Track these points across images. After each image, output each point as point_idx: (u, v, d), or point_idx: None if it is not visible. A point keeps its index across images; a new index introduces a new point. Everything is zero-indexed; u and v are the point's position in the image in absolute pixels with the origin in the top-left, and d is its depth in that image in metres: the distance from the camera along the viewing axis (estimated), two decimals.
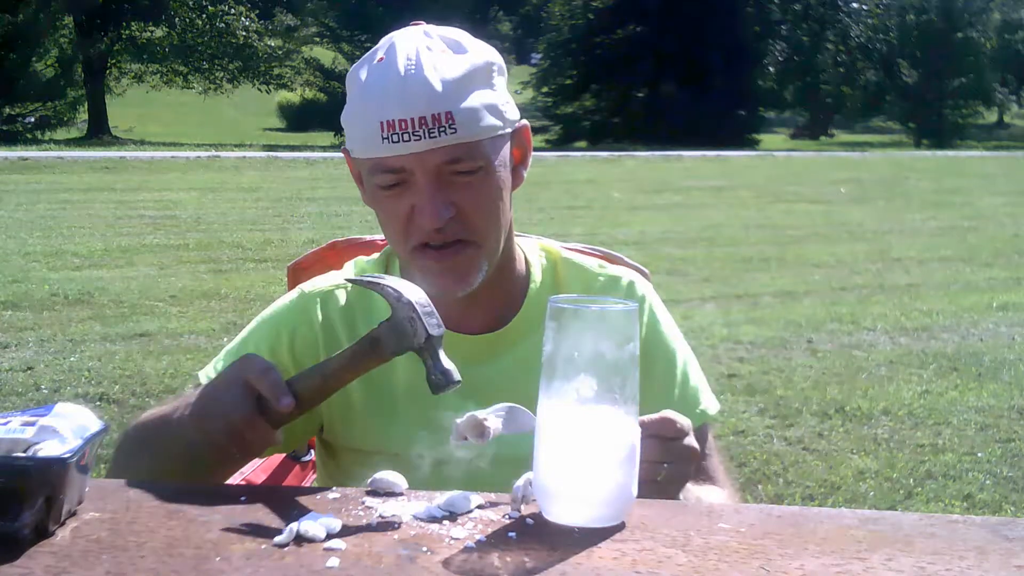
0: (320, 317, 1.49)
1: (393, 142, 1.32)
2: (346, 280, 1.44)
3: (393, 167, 1.35)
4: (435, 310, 1.19)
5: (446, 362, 1.18)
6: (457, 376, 1.17)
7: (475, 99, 1.34)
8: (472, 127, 1.33)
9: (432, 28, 1.40)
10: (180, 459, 1.31)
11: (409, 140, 1.31)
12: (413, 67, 1.32)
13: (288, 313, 1.51)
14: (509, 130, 1.41)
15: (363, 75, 1.37)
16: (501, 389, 1.44)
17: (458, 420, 1.16)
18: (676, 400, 1.48)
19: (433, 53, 1.34)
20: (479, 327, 1.47)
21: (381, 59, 1.36)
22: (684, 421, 1.22)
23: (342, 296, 1.50)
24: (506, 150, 1.41)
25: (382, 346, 1.19)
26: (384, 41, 1.39)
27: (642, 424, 1.17)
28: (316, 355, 1.45)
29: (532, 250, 1.54)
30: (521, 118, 1.45)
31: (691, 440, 1.22)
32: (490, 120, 1.36)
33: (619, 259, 1.66)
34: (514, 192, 1.46)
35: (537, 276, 1.51)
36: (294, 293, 1.53)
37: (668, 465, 1.19)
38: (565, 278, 1.52)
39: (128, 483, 1.21)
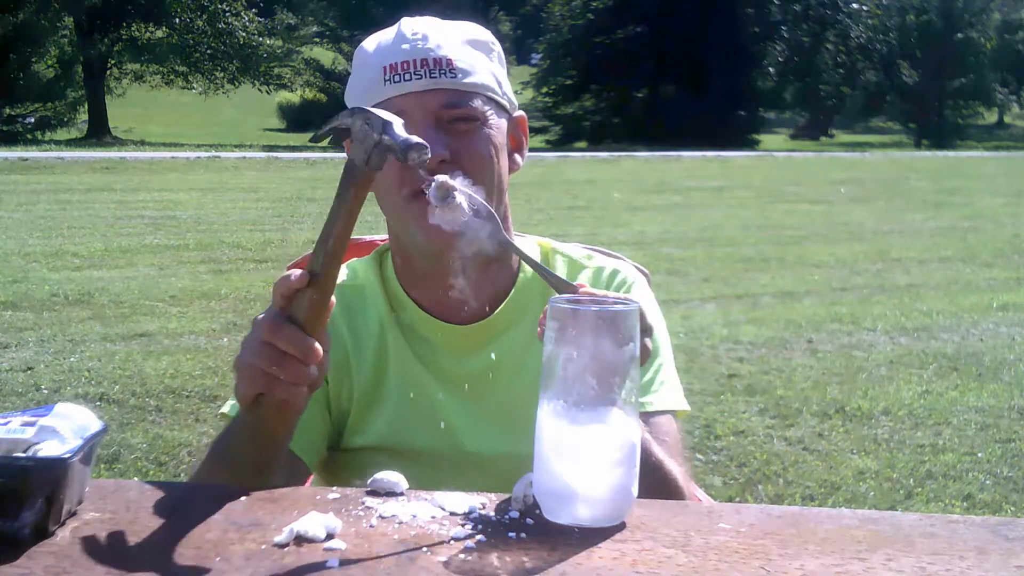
0: None
1: (395, 82, 1.39)
2: (315, 137, 1.35)
3: (393, 109, 1.36)
4: (385, 110, 1.18)
5: (405, 134, 1.14)
6: (417, 138, 1.14)
7: (475, 58, 1.42)
8: (471, 77, 1.41)
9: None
10: (250, 448, 1.26)
11: (411, 79, 1.38)
12: (418, 28, 1.43)
13: None
14: (506, 104, 1.46)
15: (369, 44, 1.46)
16: (490, 377, 1.46)
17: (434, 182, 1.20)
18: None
19: (438, 23, 1.45)
20: (469, 318, 1.48)
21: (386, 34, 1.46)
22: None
23: (340, 298, 1.50)
24: (503, 124, 1.45)
25: (354, 163, 1.17)
26: None
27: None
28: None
29: (527, 246, 1.56)
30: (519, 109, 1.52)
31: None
32: (488, 80, 1.43)
33: (619, 259, 1.66)
34: (511, 177, 1.48)
35: (529, 268, 1.52)
36: None
37: None
38: (552, 268, 1.54)
39: (128, 483, 1.21)
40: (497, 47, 1.48)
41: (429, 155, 1.13)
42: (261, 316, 1.18)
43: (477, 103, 1.40)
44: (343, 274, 1.55)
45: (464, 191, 1.20)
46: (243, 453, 1.28)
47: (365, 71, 1.43)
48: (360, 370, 1.48)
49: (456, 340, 1.47)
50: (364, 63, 1.44)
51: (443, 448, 1.45)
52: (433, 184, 1.20)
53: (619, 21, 40.45)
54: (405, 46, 1.40)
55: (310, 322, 1.16)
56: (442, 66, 1.38)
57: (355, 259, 1.59)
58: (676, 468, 1.38)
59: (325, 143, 1.30)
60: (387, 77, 1.38)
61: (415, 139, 1.13)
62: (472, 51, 1.42)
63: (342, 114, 1.20)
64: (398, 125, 1.14)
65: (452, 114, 1.39)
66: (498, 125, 1.44)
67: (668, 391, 1.49)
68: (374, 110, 1.16)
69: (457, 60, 1.39)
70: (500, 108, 1.45)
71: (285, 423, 1.23)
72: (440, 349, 1.47)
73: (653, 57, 40.17)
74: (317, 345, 1.15)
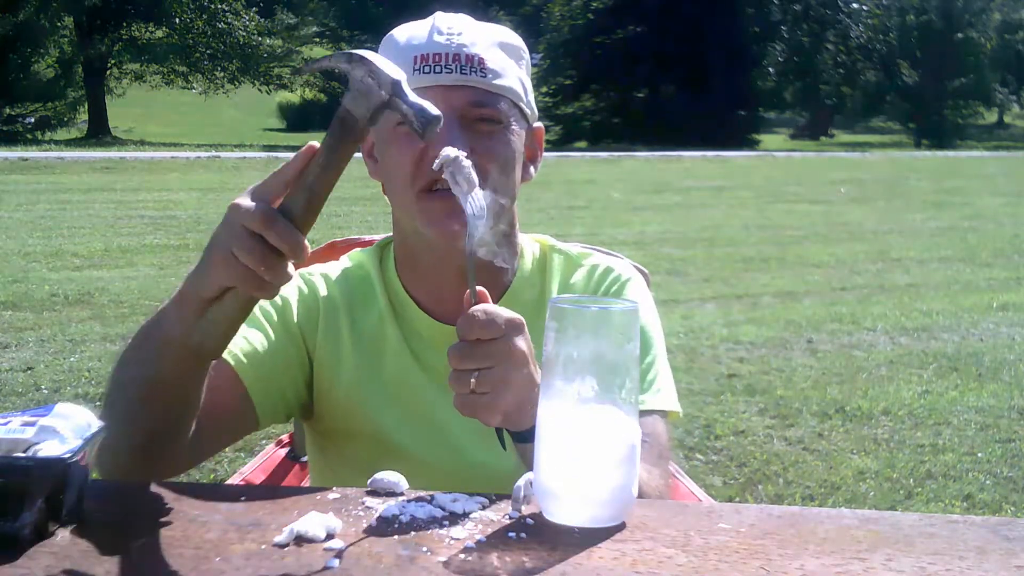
0: (323, 292, 1.49)
1: (424, 72, 1.37)
2: (298, 70, 1.38)
3: None
4: (389, 61, 1.08)
5: (418, 99, 1.06)
6: (435, 110, 1.06)
7: (505, 62, 1.41)
8: (500, 79, 1.39)
9: None
10: (171, 352, 1.22)
11: (441, 72, 1.37)
12: (453, 24, 1.41)
13: (290, 283, 1.48)
14: (528, 113, 1.46)
15: (400, 33, 1.44)
16: None
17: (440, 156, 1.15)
18: None
19: (472, 21, 1.44)
20: None
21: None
22: (493, 316, 1.14)
23: (344, 283, 1.52)
24: (523, 134, 1.45)
25: (352, 117, 1.06)
26: None
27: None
28: (315, 326, 1.46)
29: (528, 244, 1.56)
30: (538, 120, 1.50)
31: (508, 341, 1.14)
32: (516, 86, 1.42)
33: (617, 258, 1.66)
34: (521, 185, 1.48)
35: (527, 266, 1.52)
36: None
37: (480, 372, 1.13)
38: (550, 266, 1.54)
39: (128, 483, 1.21)
40: (527, 55, 1.48)
41: (442, 124, 1.08)
42: (242, 200, 1.08)
43: (503, 106, 1.40)
44: (348, 262, 1.56)
45: (472, 178, 1.15)
46: (162, 352, 1.23)
47: (393, 58, 1.38)
48: (354, 359, 1.47)
49: (449, 339, 1.46)
50: (393, 50, 1.42)
51: (436, 447, 1.44)
52: (444, 154, 1.14)
53: (619, 21, 40.42)
54: (439, 38, 1.38)
55: (302, 222, 1.07)
56: (473, 64, 1.37)
57: (358, 250, 1.59)
58: (654, 481, 1.34)
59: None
60: (417, 67, 1.37)
61: (433, 110, 1.06)
62: (504, 55, 1.42)
63: (338, 55, 1.09)
64: (406, 85, 1.07)
65: (478, 113, 1.38)
66: (519, 135, 1.44)
67: (657, 392, 1.46)
68: (378, 61, 1.07)
69: (489, 60, 1.39)
70: (522, 116, 1.44)
71: (239, 324, 1.16)
72: (434, 348, 1.47)
73: (653, 57, 40.15)
74: (307, 244, 1.08)
